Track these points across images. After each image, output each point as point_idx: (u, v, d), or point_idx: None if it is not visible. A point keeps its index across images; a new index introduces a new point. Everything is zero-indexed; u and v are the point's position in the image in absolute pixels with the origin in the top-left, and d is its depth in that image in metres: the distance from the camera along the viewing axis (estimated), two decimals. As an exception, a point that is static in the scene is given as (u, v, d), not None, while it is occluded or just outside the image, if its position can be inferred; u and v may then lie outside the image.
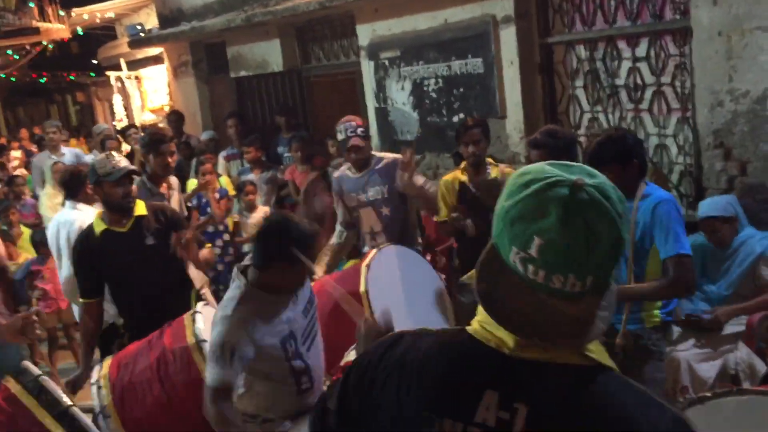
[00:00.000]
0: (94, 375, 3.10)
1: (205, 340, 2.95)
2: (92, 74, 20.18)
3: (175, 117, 8.90)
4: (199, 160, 6.77)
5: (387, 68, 6.97)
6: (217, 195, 6.18)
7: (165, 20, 10.28)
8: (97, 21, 14.20)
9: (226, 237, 6.18)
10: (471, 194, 4.31)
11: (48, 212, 6.70)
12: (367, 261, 3.51)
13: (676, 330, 3.73)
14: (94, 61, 17.12)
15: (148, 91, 13.47)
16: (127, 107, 13.97)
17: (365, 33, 7.12)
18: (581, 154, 4.27)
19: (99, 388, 3.01)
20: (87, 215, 4.24)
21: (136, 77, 13.64)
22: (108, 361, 3.18)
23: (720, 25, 4.33)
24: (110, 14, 13.41)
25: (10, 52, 17.36)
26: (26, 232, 6.87)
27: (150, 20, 11.54)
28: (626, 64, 5.21)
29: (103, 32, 15.86)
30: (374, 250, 3.68)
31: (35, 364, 3.08)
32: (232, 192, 6.52)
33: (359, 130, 4.37)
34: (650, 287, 2.99)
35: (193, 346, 2.97)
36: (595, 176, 1.14)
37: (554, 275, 1.11)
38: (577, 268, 1.11)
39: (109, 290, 3.77)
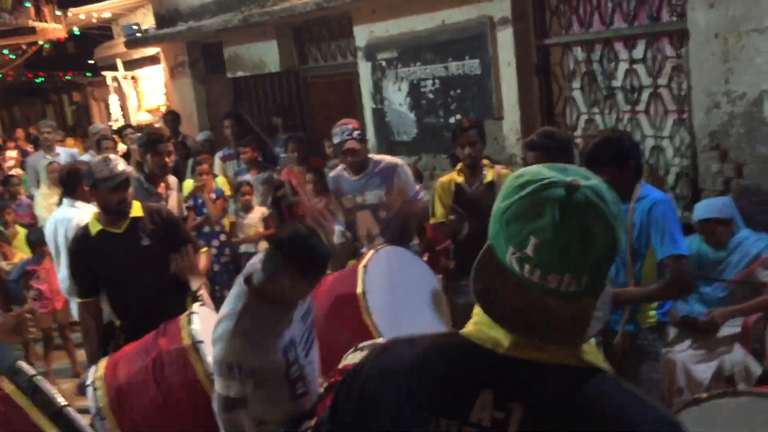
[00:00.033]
0: (90, 376, 3.09)
1: (201, 341, 2.94)
2: (88, 74, 20.12)
3: (172, 117, 8.89)
4: (195, 161, 6.77)
5: (384, 69, 6.97)
6: (213, 195, 6.18)
7: (162, 20, 10.28)
8: (94, 21, 14.21)
9: (223, 237, 6.18)
10: (467, 196, 4.31)
11: (43, 212, 6.68)
12: (364, 262, 3.52)
13: (672, 331, 3.74)
14: (91, 61, 17.10)
15: (144, 92, 13.47)
16: (124, 107, 13.97)
17: (362, 34, 7.12)
18: (578, 155, 4.28)
19: (95, 389, 3.00)
20: (85, 213, 4.24)
21: (133, 77, 13.64)
22: (104, 362, 3.17)
23: (717, 27, 4.33)
24: (107, 14, 13.42)
25: (6, 51, 17.30)
26: (21, 232, 6.85)
27: (147, 20, 11.54)
28: (623, 66, 5.22)
29: (100, 32, 15.87)
30: (371, 252, 3.68)
31: (31, 364, 3.07)
32: (228, 192, 6.52)
33: (355, 133, 4.36)
34: (649, 290, 3.00)
35: (189, 347, 2.96)
36: (590, 178, 1.15)
37: (550, 275, 1.12)
38: (573, 267, 1.11)
39: (105, 291, 3.76)
